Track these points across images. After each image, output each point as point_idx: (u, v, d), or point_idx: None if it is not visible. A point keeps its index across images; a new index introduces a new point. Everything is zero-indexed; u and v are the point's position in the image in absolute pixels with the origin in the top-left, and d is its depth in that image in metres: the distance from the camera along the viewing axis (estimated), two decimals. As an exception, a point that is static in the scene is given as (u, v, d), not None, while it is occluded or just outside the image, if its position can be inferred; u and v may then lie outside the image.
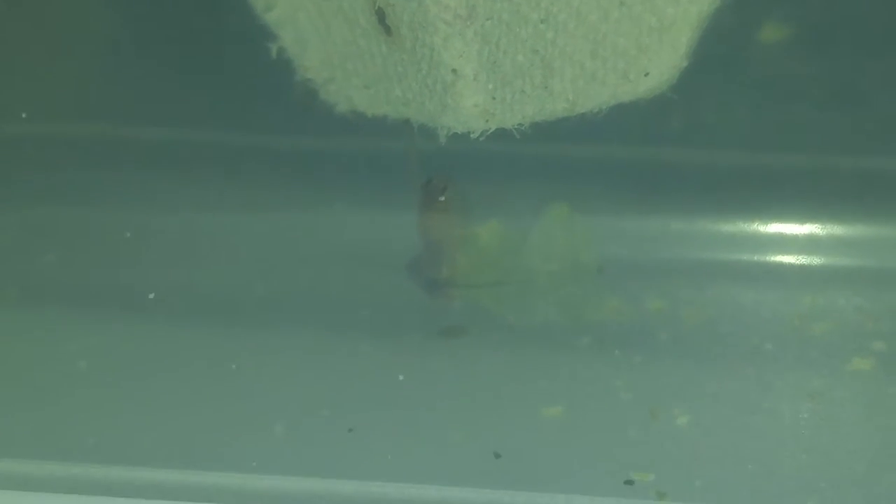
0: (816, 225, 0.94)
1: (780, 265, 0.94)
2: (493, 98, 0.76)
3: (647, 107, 0.81)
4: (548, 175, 0.94)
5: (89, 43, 0.98)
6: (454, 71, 0.74)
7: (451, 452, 0.82)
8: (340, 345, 0.91)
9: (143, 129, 0.99)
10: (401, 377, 0.87)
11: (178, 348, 0.92)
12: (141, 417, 0.86)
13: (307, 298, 0.96)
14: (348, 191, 0.97)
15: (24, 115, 0.96)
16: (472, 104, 0.76)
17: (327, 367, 0.90)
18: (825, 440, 0.82)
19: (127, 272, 0.98)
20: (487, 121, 0.77)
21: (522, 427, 0.84)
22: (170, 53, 0.95)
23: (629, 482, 0.79)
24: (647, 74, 0.79)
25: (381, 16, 0.76)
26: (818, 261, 0.94)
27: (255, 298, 0.96)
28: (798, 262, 0.94)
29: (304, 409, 0.86)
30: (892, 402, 0.84)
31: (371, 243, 0.96)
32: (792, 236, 0.95)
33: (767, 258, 0.95)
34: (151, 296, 0.95)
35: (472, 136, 0.78)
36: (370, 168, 0.96)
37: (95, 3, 0.98)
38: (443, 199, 0.90)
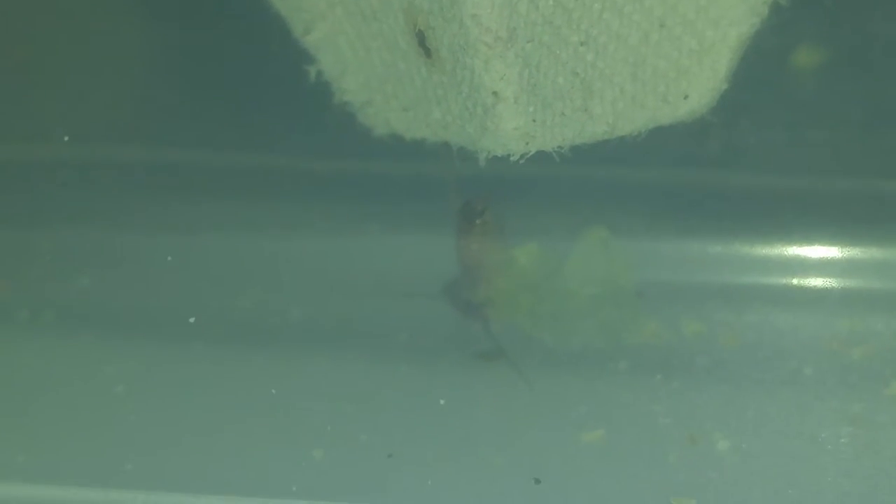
0: (855, 248, 0.94)
1: (819, 289, 0.94)
2: (534, 121, 0.76)
3: (685, 130, 0.80)
4: (586, 198, 0.94)
5: (128, 67, 0.99)
6: (495, 93, 0.74)
7: (491, 478, 0.81)
8: (379, 369, 0.91)
9: (181, 152, 0.99)
10: (441, 402, 0.87)
11: (216, 373, 0.91)
12: (179, 442, 0.86)
13: (345, 322, 0.95)
14: (386, 214, 0.98)
15: (65, 139, 0.96)
16: (512, 127, 0.75)
17: (365, 391, 0.89)
18: (866, 465, 0.81)
19: (165, 295, 0.98)
20: (527, 143, 0.77)
21: (562, 452, 0.83)
22: (208, 77, 0.95)
23: (670, 507, 0.78)
24: (686, 97, 0.79)
25: (421, 38, 0.76)
26: (857, 284, 0.93)
27: (293, 322, 0.96)
28: (836, 285, 0.94)
29: (343, 433, 0.85)
30: (934, 427, 0.84)
31: (409, 266, 0.96)
32: (830, 259, 0.94)
33: (806, 282, 0.94)
34: (192, 320, 0.95)
35: (511, 158, 0.78)
36: (408, 191, 0.96)
37: (135, 28, 0.98)
38: (480, 222, 0.90)
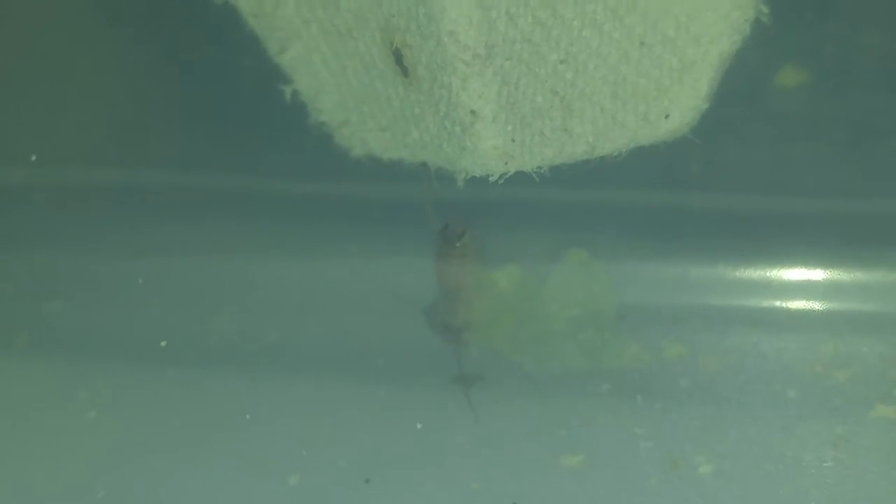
0: (838, 270, 0.93)
1: (802, 311, 0.93)
2: (513, 140, 0.76)
3: (667, 150, 0.80)
4: (566, 220, 0.94)
5: (99, 88, 0.98)
6: (473, 112, 0.74)
7: (468, 503, 0.81)
8: (356, 393, 0.90)
9: (153, 173, 0.99)
10: (419, 426, 0.86)
11: (189, 398, 0.91)
12: (151, 469, 0.86)
13: (322, 345, 0.95)
14: (364, 236, 0.97)
15: (33, 158, 0.95)
16: (491, 146, 0.75)
17: (343, 415, 0.89)
18: (849, 488, 0.81)
19: (137, 319, 0.98)
20: (506, 163, 0.77)
21: (542, 477, 0.83)
22: (181, 97, 0.95)
23: (652, 533, 0.78)
24: (667, 116, 0.78)
25: (397, 56, 0.75)
26: (840, 307, 0.93)
27: (268, 346, 0.95)
28: (820, 308, 0.93)
29: (319, 459, 0.85)
30: (917, 450, 0.83)
31: (387, 289, 0.95)
32: (814, 282, 0.94)
33: (789, 304, 0.93)
34: (163, 343, 0.94)
35: (490, 179, 0.78)
36: (386, 213, 0.96)
37: (106, 47, 0.97)
38: (460, 244, 0.89)
